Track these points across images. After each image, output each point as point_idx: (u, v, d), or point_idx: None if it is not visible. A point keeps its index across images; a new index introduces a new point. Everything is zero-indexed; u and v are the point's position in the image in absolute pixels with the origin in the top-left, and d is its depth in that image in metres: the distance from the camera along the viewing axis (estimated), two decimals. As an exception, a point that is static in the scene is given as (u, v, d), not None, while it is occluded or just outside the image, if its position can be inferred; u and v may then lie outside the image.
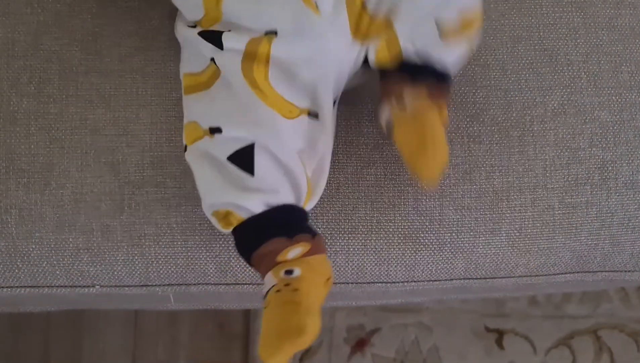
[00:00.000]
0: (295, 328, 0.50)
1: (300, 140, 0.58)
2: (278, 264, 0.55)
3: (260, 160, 0.56)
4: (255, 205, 0.56)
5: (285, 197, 0.56)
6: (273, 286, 0.54)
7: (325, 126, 0.59)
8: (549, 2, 0.68)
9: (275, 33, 0.56)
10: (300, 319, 0.51)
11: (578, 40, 0.67)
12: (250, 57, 0.57)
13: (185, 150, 0.58)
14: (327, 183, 0.63)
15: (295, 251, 0.55)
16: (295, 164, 0.57)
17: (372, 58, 0.58)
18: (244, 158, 0.56)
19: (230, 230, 0.57)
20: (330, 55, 0.57)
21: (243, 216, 0.56)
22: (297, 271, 0.54)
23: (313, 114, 0.58)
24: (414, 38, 0.57)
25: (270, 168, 0.56)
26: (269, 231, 0.56)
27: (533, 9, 0.68)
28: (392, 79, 0.58)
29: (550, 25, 0.67)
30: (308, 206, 0.59)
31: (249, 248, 0.57)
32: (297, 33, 0.56)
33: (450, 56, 0.59)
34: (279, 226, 0.56)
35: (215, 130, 0.56)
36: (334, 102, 0.60)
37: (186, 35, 0.60)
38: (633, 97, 0.66)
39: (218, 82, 0.57)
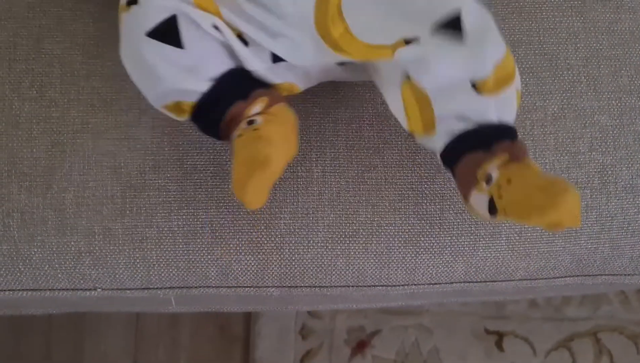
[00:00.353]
0: (260, 159, 0.51)
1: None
2: (242, 121, 0.55)
3: (185, 31, 0.53)
4: (199, 83, 0.54)
5: (225, 63, 0.55)
6: (237, 133, 0.54)
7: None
8: (549, 6, 0.68)
9: None
10: (262, 149, 0.51)
11: (578, 45, 0.67)
12: None
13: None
14: (327, 187, 0.64)
15: (255, 108, 0.55)
16: (222, 29, 0.55)
17: (399, 111, 0.56)
18: (168, 31, 0.53)
19: (186, 117, 0.56)
20: (286, 17, 0.55)
21: (192, 100, 0.55)
22: (258, 120, 0.54)
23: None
24: (458, 108, 0.54)
25: (196, 38, 0.54)
26: (224, 102, 0.55)
27: (533, 13, 0.68)
28: (466, 160, 0.54)
29: (550, 29, 0.68)
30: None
31: (213, 125, 0.56)
32: None
33: (506, 109, 0.55)
34: (230, 92, 0.55)
35: (131, 1, 0.54)
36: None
37: None
38: (633, 101, 0.67)
39: None
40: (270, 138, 0.53)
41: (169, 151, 0.64)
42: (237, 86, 0.56)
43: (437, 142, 0.56)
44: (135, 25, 0.54)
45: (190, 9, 0.54)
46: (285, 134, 0.56)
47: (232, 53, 0.56)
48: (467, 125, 0.54)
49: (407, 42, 0.54)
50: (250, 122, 0.54)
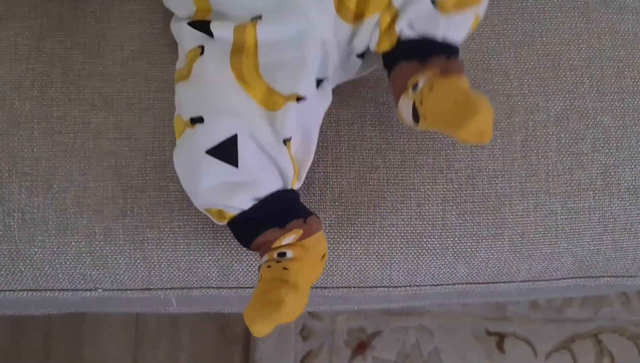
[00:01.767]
0: (275, 302, 0.53)
1: (282, 128, 0.56)
2: (273, 249, 0.57)
3: (243, 150, 0.55)
4: (243, 202, 0.56)
5: (272, 185, 0.57)
6: (266, 261, 0.56)
7: (307, 109, 0.58)
8: (551, 7, 0.68)
9: (260, 17, 0.56)
10: (281, 294, 0.53)
11: (581, 46, 0.67)
12: (238, 48, 0.56)
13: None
14: (329, 188, 0.64)
15: (288, 239, 0.57)
16: (280, 149, 0.56)
17: (370, 42, 0.57)
18: (226, 150, 0.55)
19: (224, 223, 0.58)
20: (315, 33, 0.56)
21: (234, 212, 0.57)
22: (289, 254, 0.56)
23: (299, 98, 0.57)
24: (411, 17, 0.56)
25: (253, 158, 0.56)
26: (261, 225, 0.56)
27: (536, 14, 0.68)
28: (401, 69, 0.56)
29: (553, 30, 0.67)
30: (295, 186, 0.59)
31: (245, 240, 0.58)
32: (280, 12, 0.56)
33: (455, 29, 0.57)
34: (269, 218, 0.56)
35: (196, 120, 0.56)
36: (321, 81, 0.59)
37: (179, 29, 0.59)
38: (636, 102, 0.67)
39: (198, 65, 0.57)
40: (296, 284, 0.54)
41: (171, 151, 0.63)
42: (277, 211, 0.57)
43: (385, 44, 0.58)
44: (197, 142, 0.56)
45: (253, 128, 0.55)
46: (312, 269, 0.58)
47: (281, 172, 0.57)
48: (412, 34, 0.56)
49: None
50: (282, 254, 0.56)
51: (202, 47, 0.57)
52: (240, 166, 0.55)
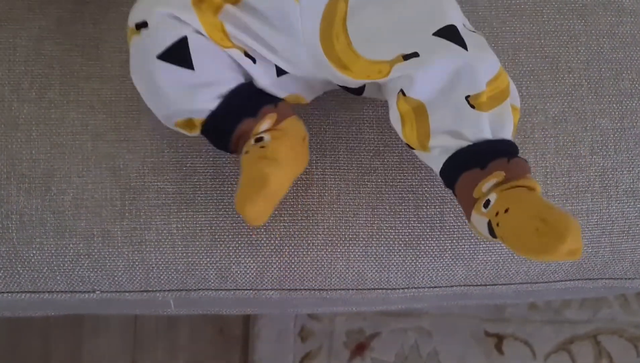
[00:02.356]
0: (258, 178, 0.53)
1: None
2: (251, 138, 0.57)
3: (195, 51, 0.54)
4: (208, 102, 0.56)
5: (233, 81, 0.56)
6: (245, 150, 0.56)
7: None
8: (550, 9, 0.68)
9: None
10: (262, 169, 0.53)
11: (579, 48, 0.67)
12: None
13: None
14: (327, 190, 0.64)
15: (264, 125, 0.56)
16: (231, 51, 0.55)
17: (397, 128, 0.56)
18: (178, 53, 0.54)
19: (197, 132, 0.57)
20: (291, 33, 0.55)
21: (202, 116, 0.56)
22: (266, 137, 0.56)
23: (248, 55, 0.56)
24: (445, 118, 0.54)
25: (208, 57, 0.55)
26: (233, 119, 0.56)
27: (534, 16, 0.68)
28: (463, 180, 0.54)
29: (552, 32, 0.67)
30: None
31: (223, 141, 0.58)
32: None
33: (499, 124, 0.54)
34: (239, 110, 0.56)
35: (140, 25, 0.55)
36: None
37: None
38: (634, 104, 0.67)
39: None
40: (275, 157, 0.54)
41: (168, 153, 0.63)
42: (245, 102, 0.57)
43: (436, 160, 0.56)
44: (146, 48, 0.55)
45: (199, 28, 0.54)
46: (294, 149, 0.57)
47: (241, 67, 0.57)
48: (462, 143, 0.54)
49: (405, 57, 0.54)
50: (258, 140, 0.56)
51: None
52: (196, 67, 0.54)
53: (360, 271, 0.65)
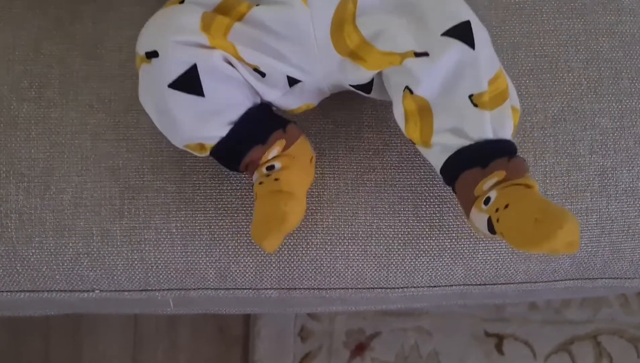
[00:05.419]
0: (278, 216, 0.55)
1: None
2: (261, 165, 0.58)
3: (205, 79, 0.55)
4: (219, 129, 0.56)
5: (243, 105, 0.57)
6: (257, 178, 0.57)
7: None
8: (549, 8, 0.68)
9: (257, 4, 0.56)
10: (281, 206, 0.55)
11: (578, 47, 0.67)
12: (222, 9, 0.56)
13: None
14: (327, 189, 0.64)
15: (273, 151, 0.57)
16: (241, 67, 0.56)
17: (399, 117, 0.57)
18: (189, 81, 0.54)
19: (207, 154, 0.58)
20: (302, 40, 0.56)
21: (213, 142, 0.57)
22: (277, 165, 0.57)
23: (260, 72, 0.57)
24: (457, 124, 0.54)
25: (218, 83, 0.55)
26: (242, 147, 0.57)
27: (533, 15, 0.68)
28: (464, 178, 0.55)
29: (551, 31, 0.67)
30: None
31: (232, 165, 0.59)
32: (278, 7, 0.56)
33: (500, 124, 0.55)
34: (249, 137, 0.57)
35: (151, 54, 0.55)
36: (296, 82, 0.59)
37: None
38: (633, 104, 0.66)
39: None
40: (291, 191, 0.56)
41: (168, 152, 0.63)
42: (255, 129, 0.57)
43: (436, 156, 0.57)
44: (157, 77, 0.55)
45: (208, 54, 0.55)
46: (303, 170, 0.59)
47: (248, 87, 0.57)
48: (464, 141, 0.55)
49: (417, 55, 0.54)
50: (270, 168, 0.57)
51: None
52: (206, 94, 0.55)
53: (360, 270, 0.65)
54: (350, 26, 0.56)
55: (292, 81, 0.58)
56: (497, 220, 0.52)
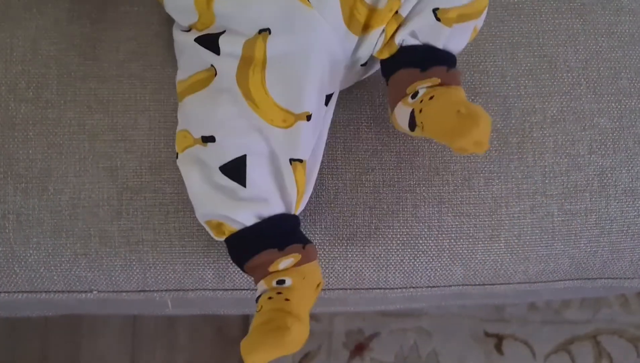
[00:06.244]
0: (280, 328, 0.52)
1: (292, 148, 0.57)
2: (270, 274, 0.56)
3: (252, 171, 0.56)
4: (247, 218, 0.56)
5: (276, 207, 0.57)
6: (265, 292, 0.56)
7: (316, 127, 0.59)
8: (548, 8, 0.68)
9: (268, 31, 0.56)
10: (287, 322, 0.52)
11: (578, 47, 0.67)
12: (246, 62, 0.56)
13: (177, 158, 0.58)
14: (325, 190, 0.64)
15: (286, 262, 0.56)
16: (286, 172, 0.57)
17: (373, 51, 0.58)
18: (236, 169, 0.56)
19: (223, 238, 0.58)
20: (323, 46, 0.57)
21: (235, 227, 0.57)
22: (288, 281, 0.56)
23: (309, 117, 0.57)
24: (414, 27, 0.56)
25: (261, 179, 0.56)
26: (261, 243, 0.56)
27: (532, 15, 0.68)
28: (401, 75, 0.57)
29: (550, 31, 0.67)
30: (299, 210, 0.59)
31: (242, 258, 0.58)
32: (289, 28, 0.56)
33: (455, 40, 0.58)
34: (270, 237, 0.56)
35: (208, 139, 0.56)
36: (331, 96, 0.60)
37: (184, 43, 0.59)
38: (632, 103, 0.66)
39: (212, 85, 0.57)
40: (298, 314, 0.54)
41: (166, 152, 0.63)
42: (278, 232, 0.57)
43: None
44: (211, 160, 0.56)
45: (262, 148, 0.56)
46: (310, 294, 0.57)
47: (285, 194, 0.57)
48: (414, 41, 0.57)
49: None
50: (280, 282, 0.56)
51: (213, 67, 0.57)
52: (248, 185, 0.56)
53: (358, 270, 0.65)
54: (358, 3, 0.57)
55: (327, 98, 0.59)
56: (420, 111, 0.54)
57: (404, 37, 0.57)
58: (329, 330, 1.06)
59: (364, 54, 0.59)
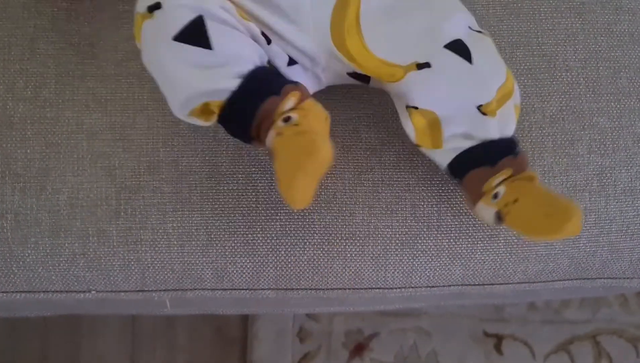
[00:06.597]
0: (307, 147, 0.49)
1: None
2: (277, 117, 0.53)
3: (213, 30, 0.51)
4: (228, 81, 0.52)
5: (253, 60, 0.53)
6: (275, 132, 0.52)
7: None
8: (547, 7, 0.68)
9: None
10: (309, 138, 0.50)
11: (577, 46, 0.67)
12: None
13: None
14: (324, 189, 0.63)
15: (288, 103, 0.53)
16: (242, 22, 0.54)
17: (409, 131, 0.58)
18: (195, 33, 0.51)
19: (214, 120, 0.54)
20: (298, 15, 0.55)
21: (222, 98, 0.53)
22: (294, 117, 0.52)
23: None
24: (465, 129, 0.56)
25: (226, 35, 0.52)
26: (256, 98, 0.53)
27: (531, 14, 0.67)
28: (473, 176, 0.57)
29: (549, 30, 0.67)
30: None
31: (243, 124, 0.54)
32: None
33: (504, 125, 0.57)
34: (262, 88, 0.53)
35: (153, 7, 0.52)
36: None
37: None
38: (632, 103, 0.66)
39: None
40: (315, 130, 0.51)
41: (164, 152, 0.63)
42: (268, 81, 0.54)
43: (443, 157, 0.59)
44: (160, 30, 0.52)
45: (215, 5, 0.52)
46: (322, 125, 0.54)
47: (258, 48, 0.55)
48: (472, 142, 0.57)
49: (419, 66, 0.55)
50: (286, 120, 0.52)
51: None
52: (214, 46, 0.52)
53: (357, 270, 0.65)
54: (353, 22, 0.55)
55: (290, 61, 0.57)
56: (507, 213, 0.55)
57: (458, 142, 0.57)
58: (328, 330, 1.06)
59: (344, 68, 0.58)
